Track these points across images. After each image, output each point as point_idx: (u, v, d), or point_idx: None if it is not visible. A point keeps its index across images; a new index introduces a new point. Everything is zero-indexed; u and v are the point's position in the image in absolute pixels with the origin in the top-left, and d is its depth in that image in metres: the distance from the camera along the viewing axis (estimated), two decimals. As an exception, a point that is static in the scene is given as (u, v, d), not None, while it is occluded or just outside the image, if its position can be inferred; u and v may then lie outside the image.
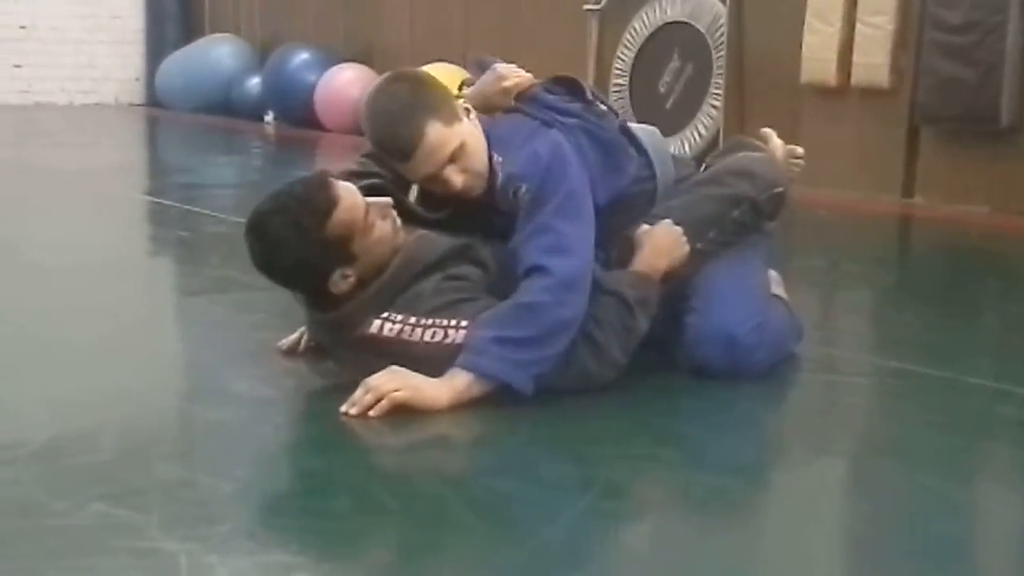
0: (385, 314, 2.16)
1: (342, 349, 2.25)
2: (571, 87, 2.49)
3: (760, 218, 2.46)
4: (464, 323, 2.14)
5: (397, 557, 1.59)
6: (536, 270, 2.17)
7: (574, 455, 1.96)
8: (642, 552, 1.69)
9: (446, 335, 2.14)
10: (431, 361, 2.12)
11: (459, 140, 2.26)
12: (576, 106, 2.43)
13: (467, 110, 2.33)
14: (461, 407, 2.09)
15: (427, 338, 2.14)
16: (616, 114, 2.51)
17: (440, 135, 2.24)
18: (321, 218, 2.12)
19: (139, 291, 3.27)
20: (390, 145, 2.27)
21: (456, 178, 2.27)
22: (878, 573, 1.59)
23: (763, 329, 2.36)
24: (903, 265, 4.42)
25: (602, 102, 2.49)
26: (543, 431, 2.07)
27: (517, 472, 1.89)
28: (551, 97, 2.43)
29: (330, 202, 2.14)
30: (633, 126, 2.56)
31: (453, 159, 2.26)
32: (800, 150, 2.79)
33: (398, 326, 2.15)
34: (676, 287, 2.39)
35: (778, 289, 2.61)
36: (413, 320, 2.15)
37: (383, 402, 2.06)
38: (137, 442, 1.98)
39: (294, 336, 2.45)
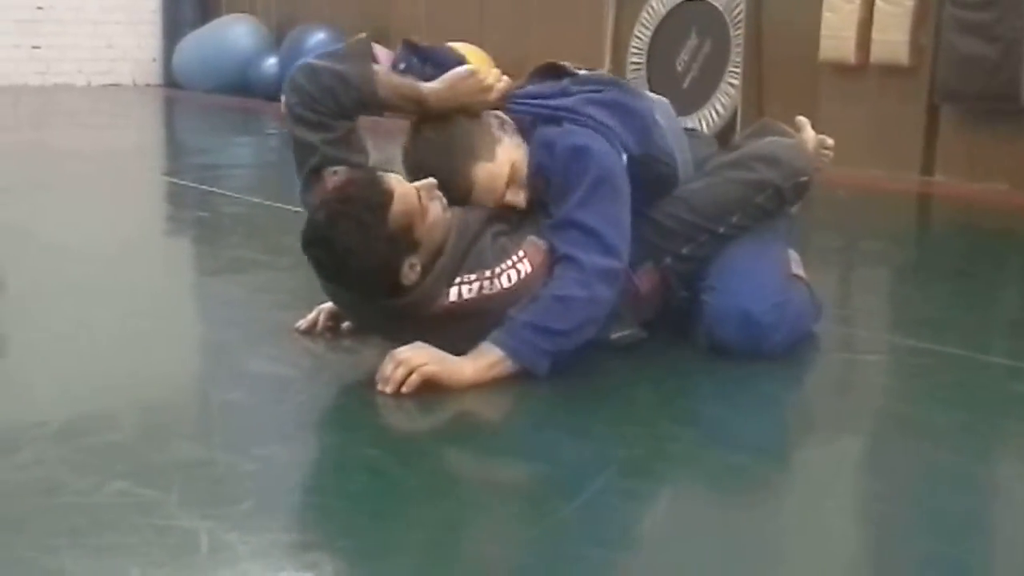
0: (458, 279, 2.16)
1: (410, 331, 2.18)
2: (552, 71, 2.48)
3: (783, 204, 2.46)
4: (521, 252, 2.20)
5: (415, 535, 1.60)
6: (567, 259, 2.19)
7: (592, 434, 1.97)
8: (660, 529, 1.70)
9: (518, 273, 2.18)
10: (515, 303, 2.16)
11: (508, 165, 2.27)
12: (564, 83, 2.42)
13: (500, 120, 2.31)
14: (480, 386, 2.10)
15: (505, 283, 2.17)
16: (616, 80, 2.48)
17: (489, 174, 2.26)
18: (383, 213, 2.09)
19: (158, 272, 3.28)
20: (445, 191, 2.21)
21: (519, 198, 2.29)
22: (895, 550, 1.60)
23: (782, 309, 2.36)
24: (921, 244, 4.40)
25: (589, 71, 2.47)
26: (561, 410, 2.08)
27: (535, 451, 1.90)
28: (534, 88, 2.42)
29: (387, 195, 2.11)
30: (650, 95, 2.54)
31: (509, 184, 2.27)
32: (830, 141, 2.80)
33: (476, 284, 2.17)
34: (696, 267, 2.40)
35: (797, 269, 2.60)
36: (488, 273, 2.17)
37: (413, 376, 2.07)
38: (157, 421, 2.00)
39: (312, 316, 2.46)
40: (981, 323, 2.87)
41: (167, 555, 1.47)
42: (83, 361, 2.33)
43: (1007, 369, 2.43)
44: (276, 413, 2.08)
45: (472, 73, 2.32)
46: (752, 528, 1.67)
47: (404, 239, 2.12)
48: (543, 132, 2.31)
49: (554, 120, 2.33)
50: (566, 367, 2.17)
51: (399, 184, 2.15)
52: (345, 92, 2.26)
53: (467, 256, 2.18)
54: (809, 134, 2.77)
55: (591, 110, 2.34)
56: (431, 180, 2.19)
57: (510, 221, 2.30)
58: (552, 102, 2.37)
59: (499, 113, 2.33)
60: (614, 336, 2.36)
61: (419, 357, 2.09)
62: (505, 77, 2.36)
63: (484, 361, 2.12)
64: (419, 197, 2.15)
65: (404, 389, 2.06)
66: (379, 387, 2.07)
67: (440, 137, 2.27)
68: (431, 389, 2.07)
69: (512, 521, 1.65)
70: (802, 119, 2.82)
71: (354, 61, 2.30)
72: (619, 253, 2.22)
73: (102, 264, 3.22)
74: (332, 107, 2.26)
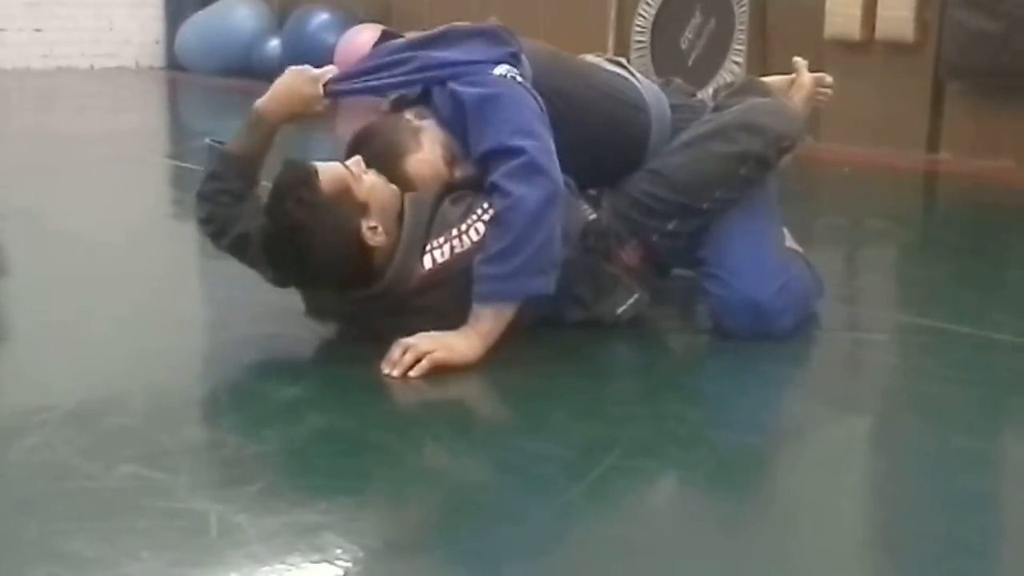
0: (427, 247, 2.17)
1: (396, 314, 2.20)
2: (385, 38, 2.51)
3: (767, 171, 2.41)
4: (487, 204, 2.18)
5: (425, 516, 1.61)
6: (491, 189, 2.18)
7: (599, 414, 1.97)
8: (667, 509, 1.71)
9: (485, 224, 2.17)
10: None
11: (439, 146, 2.28)
12: (397, 44, 2.44)
13: (417, 113, 2.31)
14: (487, 368, 2.11)
15: (475, 237, 2.16)
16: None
17: (422, 162, 2.27)
18: (313, 184, 2.12)
19: (163, 255, 3.29)
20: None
21: (468, 170, 2.28)
22: (903, 530, 1.60)
23: (787, 290, 2.35)
24: (927, 221, 4.39)
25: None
26: (568, 391, 2.08)
27: (543, 431, 1.90)
28: (375, 62, 2.42)
29: (307, 169, 2.16)
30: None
31: (451, 163, 2.28)
32: (829, 78, 2.79)
33: (446, 246, 2.17)
34: (687, 243, 2.38)
35: (790, 243, 2.58)
36: (455, 232, 2.17)
37: (423, 362, 2.08)
38: (166, 405, 2.00)
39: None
40: (988, 301, 2.86)
41: (177, 538, 1.47)
42: (91, 345, 2.33)
43: (1014, 347, 2.42)
44: (284, 395, 2.09)
45: (289, 70, 2.39)
46: (760, 508, 1.67)
47: (347, 201, 2.15)
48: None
49: (411, 84, 2.35)
50: (576, 349, 2.17)
51: (321, 162, 2.20)
52: (223, 177, 2.37)
53: (432, 224, 2.19)
54: (805, 77, 2.75)
55: (436, 55, 2.35)
56: (356, 157, 2.23)
57: (472, 186, 2.30)
58: (400, 69, 2.36)
59: (418, 109, 2.33)
60: (619, 310, 2.35)
61: (427, 344, 2.10)
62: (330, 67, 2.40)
63: (483, 326, 2.13)
64: (346, 167, 2.19)
65: (413, 372, 2.07)
66: (385, 370, 2.08)
67: (366, 154, 2.26)
68: (441, 371, 2.08)
69: (521, 501, 1.65)
70: (799, 60, 2.80)
71: (209, 159, 2.42)
72: (523, 149, 2.16)
73: (108, 248, 3.22)
74: (229, 196, 2.35)
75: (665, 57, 6.11)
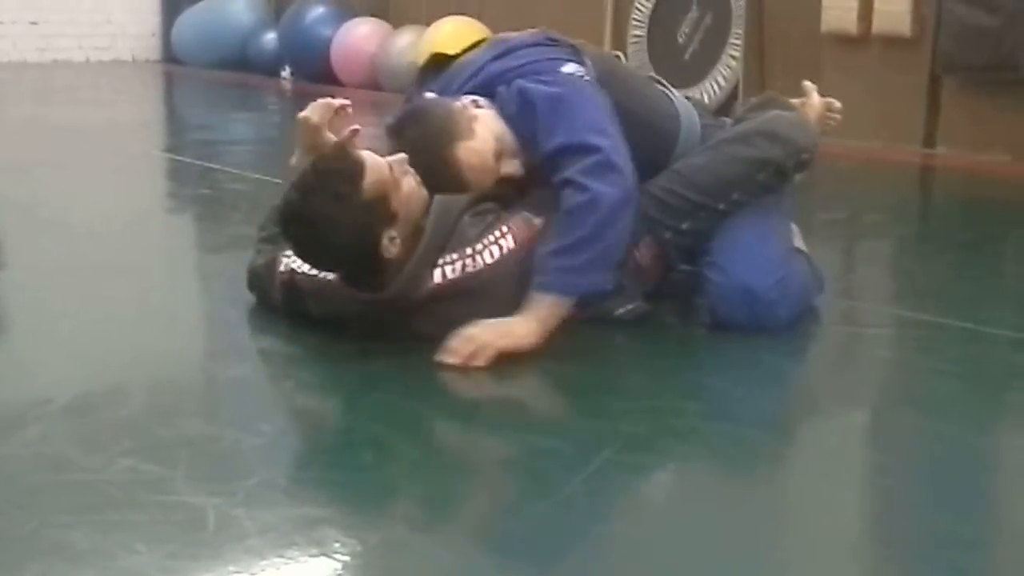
0: (440, 261, 2.16)
1: (404, 316, 2.19)
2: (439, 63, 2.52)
3: (785, 180, 2.45)
4: (505, 228, 2.19)
5: (423, 509, 1.61)
6: (560, 184, 2.19)
7: (598, 408, 1.97)
8: (666, 504, 1.71)
9: (501, 248, 2.18)
10: (501, 279, 2.17)
11: (491, 138, 2.26)
12: (464, 65, 2.45)
13: (474, 102, 2.31)
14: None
15: (488, 259, 2.17)
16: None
17: (472, 151, 2.25)
18: (356, 182, 2.09)
19: (160, 249, 3.28)
20: (442, 188, 2.22)
21: (514, 167, 2.28)
22: (900, 523, 1.60)
23: (785, 284, 2.36)
24: (924, 216, 4.40)
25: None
26: (566, 386, 2.08)
27: (542, 425, 1.90)
28: (437, 87, 2.44)
29: (357, 164, 2.12)
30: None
31: (500, 156, 2.26)
32: (837, 104, 2.81)
33: (459, 263, 2.16)
34: (697, 242, 2.40)
35: (798, 241, 2.60)
36: (469, 251, 2.17)
37: (488, 351, 2.09)
38: (163, 398, 2.00)
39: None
40: (984, 295, 2.87)
41: (174, 531, 1.47)
42: (88, 338, 2.33)
43: (1011, 341, 2.43)
44: (282, 389, 2.09)
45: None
46: (757, 501, 1.68)
47: (381, 209, 2.11)
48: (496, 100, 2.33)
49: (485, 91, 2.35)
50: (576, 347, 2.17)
51: (371, 156, 2.16)
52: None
53: (449, 238, 2.18)
54: (815, 100, 2.77)
55: (498, 65, 2.36)
56: (402, 155, 2.19)
57: (502, 201, 2.29)
58: (468, 83, 2.38)
59: (475, 97, 2.33)
60: (619, 312, 2.36)
61: (489, 336, 2.10)
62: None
63: (542, 312, 2.14)
64: (391, 168, 2.15)
65: (480, 362, 2.08)
66: (443, 358, 2.08)
67: (417, 133, 2.26)
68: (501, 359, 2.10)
69: (519, 495, 1.65)
70: (808, 84, 2.83)
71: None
72: (600, 147, 2.18)
73: (105, 241, 3.22)
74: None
75: (662, 51, 6.11)
